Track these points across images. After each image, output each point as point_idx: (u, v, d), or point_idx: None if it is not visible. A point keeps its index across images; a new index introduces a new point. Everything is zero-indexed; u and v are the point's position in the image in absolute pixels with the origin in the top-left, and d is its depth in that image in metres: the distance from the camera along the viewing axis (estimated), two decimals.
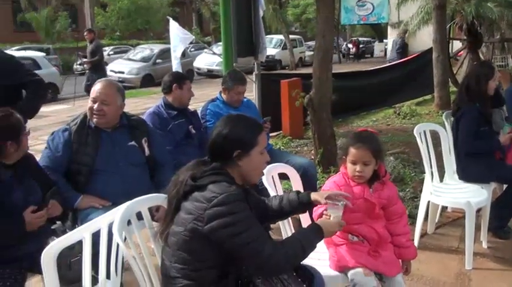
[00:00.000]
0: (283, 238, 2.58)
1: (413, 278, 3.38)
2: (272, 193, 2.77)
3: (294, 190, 3.03)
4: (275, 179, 2.99)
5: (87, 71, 11.67)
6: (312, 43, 31.33)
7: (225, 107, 4.36)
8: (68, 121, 3.26)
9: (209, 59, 22.01)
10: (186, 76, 4.23)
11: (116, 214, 2.17)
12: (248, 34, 6.53)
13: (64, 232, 2.41)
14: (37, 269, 2.62)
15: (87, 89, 11.59)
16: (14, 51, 18.99)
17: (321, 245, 2.77)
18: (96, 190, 3.08)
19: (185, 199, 2.01)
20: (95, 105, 3.09)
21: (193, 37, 7.67)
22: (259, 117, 4.61)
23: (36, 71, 15.12)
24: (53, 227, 2.44)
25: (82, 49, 13.43)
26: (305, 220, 3.00)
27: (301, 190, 2.99)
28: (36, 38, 28.92)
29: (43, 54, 17.03)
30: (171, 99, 4.01)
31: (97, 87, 3.15)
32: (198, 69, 21.80)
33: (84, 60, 11.67)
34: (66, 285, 2.18)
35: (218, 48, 20.13)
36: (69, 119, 10.52)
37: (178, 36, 7.20)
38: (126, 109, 3.34)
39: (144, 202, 2.40)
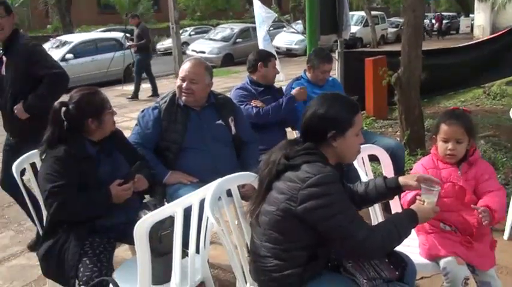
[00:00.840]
0: (373, 224, 2.50)
1: (503, 271, 3.19)
2: (362, 175, 2.70)
3: (384, 172, 2.93)
4: (365, 161, 2.91)
5: (134, 54, 11.86)
6: (394, 19, 30.29)
7: (309, 85, 4.28)
8: (156, 100, 3.33)
9: (288, 38, 21.86)
10: (271, 54, 4.19)
11: (208, 191, 2.19)
12: (332, 11, 6.38)
13: (155, 206, 2.46)
14: (125, 240, 2.75)
15: (137, 72, 11.80)
16: (98, 33, 19.97)
17: (412, 232, 2.67)
18: (184, 166, 3.14)
19: (277, 179, 1.98)
20: (184, 84, 3.13)
21: (276, 15, 7.58)
22: None
23: (121, 52, 15.74)
24: (144, 201, 2.50)
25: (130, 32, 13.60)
26: (394, 205, 2.89)
27: (391, 172, 2.90)
28: (120, 20, 29.92)
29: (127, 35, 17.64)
30: (256, 78, 4.00)
31: (186, 66, 3.18)
32: (277, 48, 21.61)
33: (130, 43, 11.83)
34: (156, 257, 2.23)
35: (297, 26, 20.01)
36: (152, 97, 10.95)
37: (261, 16, 7.14)
38: None
39: (234, 179, 2.41)
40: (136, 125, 3.24)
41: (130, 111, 9.92)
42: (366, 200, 2.31)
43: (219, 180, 2.30)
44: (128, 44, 12.02)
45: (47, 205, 2.51)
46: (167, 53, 23.65)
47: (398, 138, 5.61)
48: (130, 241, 2.78)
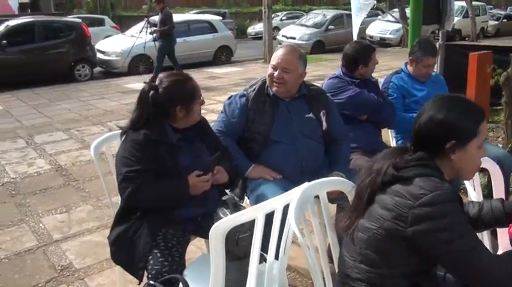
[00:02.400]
0: None
1: None
2: (470, 189, 2.35)
3: (494, 190, 2.54)
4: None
5: (156, 41, 11.26)
6: (496, 11, 28.39)
7: (410, 80, 3.90)
8: (244, 84, 3.14)
9: (383, 27, 21.06)
10: (372, 48, 3.70)
11: (293, 198, 1.95)
12: None
13: (235, 205, 2.26)
14: (201, 233, 2.62)
15: (159, 58, 11.17)
16: (191, 14, 20.36)
17: None
18: (269, 160, 2.93)
19: (382, 191, 1.69)
20: (276, 73, 2.89)
21: (375, 2, 7.14)
22: None
23: (213, 34, 16.01)
24: (224, 199, 2.32)
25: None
26: (502, 230, 2.51)
27: (502, 190, 2.53)
28: (213, 3, 30.44)
29: (219, 18, 17.75)
30: (353, 74, 3.62)
31: (278, 53, 2.94)
32: (371, 37, 20.94)
33: (154, 28, 11.19)
34: (230, 260, 2.04)
35: (393, 15, 19.21)
36: (240, 81, 10.96)
37: (359, 3, 6.76)
38: None
39: (324, 185, 2.14)
40: (221, 112, 3.06)
41: (217, 94, 9.92)
42: (478, 225, 1.97)
43: (306, 185, 2.04)
44: (152, 29, 11.33)
45: (120, 189, 2.40)
46: (257, 37, 23.70)
47: (501, 145, 5.08)
48: (205, 235, 2.64)
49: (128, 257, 2.41)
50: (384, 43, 20.39)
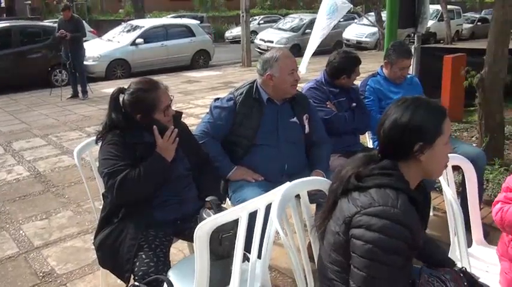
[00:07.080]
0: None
1: None
2: (444, 185, 2.42)
3: (467, 187, 2.61)
4: (448, 172, 2.61)
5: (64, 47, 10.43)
6: (470, 15, 28.93)
7: (385, 83, 4.00)
8: (222, 88, 3.19)
9: (359, 30, 21.35)
10: (357, 61, 3.70)
11: (275, 197, 2.01)
12: (411, 2, 6.01)
13: (219, 206, 2.30)
14: (182, 236, 2.67)
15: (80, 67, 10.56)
16: (169, 19, 20.36)
17: (493, 256, 2.39)
18: (251, 163, 2.99)
19: (344, 196, 1.71)
20: (296, 75, 3.03)
21: (351, 6, 7.21)
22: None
23: (191, 38, 16.08)
24: (207, 199, 2.35)
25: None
26: (476, 226, 2.60)
27: (475, 188, 2.61)
28: (191, 7, 30.47)
29: (197, 22, 17.79)
30: (334, 83, 3.71)
31: (289, 56, 3.08)
32: (347, 40, 21.22)
33: (66, 33, 10.00)
34: (214, 260, 2.09)
35: (369, 18, 19.40)
36: (218, 85, 10.82)
37: (336, 5, 6.82)
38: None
39: (304, 184, 2.20)
40: (207, 113, 3.11)
41: (195, 98, 9.92)
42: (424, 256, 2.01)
43: (288, 185, 2.10)
44: (62, 34, 10.07)
45: (108, 188, 2.42)
46: (235, 41, 23.77)
47: (475, 145, 5.21)
48: (186, 238, 2.69)
49: (114, 260, 2.43)
50: (360, 46, 20.61)
